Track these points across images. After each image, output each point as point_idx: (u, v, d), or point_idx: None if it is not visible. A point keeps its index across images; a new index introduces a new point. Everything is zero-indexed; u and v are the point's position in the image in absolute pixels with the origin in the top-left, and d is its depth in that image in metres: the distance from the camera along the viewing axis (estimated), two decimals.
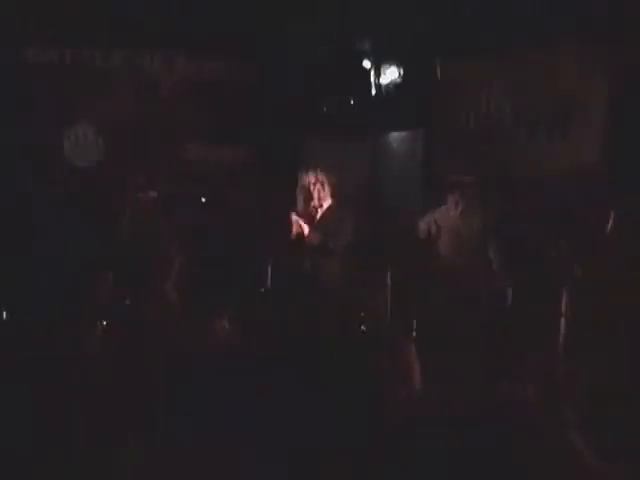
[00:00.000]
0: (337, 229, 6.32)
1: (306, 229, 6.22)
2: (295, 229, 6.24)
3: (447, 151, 8.31)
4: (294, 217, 6.26)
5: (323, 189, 6.31)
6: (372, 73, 8.86)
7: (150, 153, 8.37)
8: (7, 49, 7.69)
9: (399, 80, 8.74)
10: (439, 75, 8.31)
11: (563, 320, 5.84)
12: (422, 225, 7.04)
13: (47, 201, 7.68)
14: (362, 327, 7.73)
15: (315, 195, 6.30)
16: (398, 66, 8.70)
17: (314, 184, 6.30)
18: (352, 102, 9.09)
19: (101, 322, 6.75)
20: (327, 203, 6.36)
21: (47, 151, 8.02)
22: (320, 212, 6.32)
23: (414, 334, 7.59)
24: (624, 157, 6.51)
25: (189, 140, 8.69)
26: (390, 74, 8.75)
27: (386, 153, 8.80)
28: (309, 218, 6.34)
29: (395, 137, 8.79)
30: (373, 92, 8.88)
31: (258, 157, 8.86)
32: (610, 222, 5.94)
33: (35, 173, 7.91)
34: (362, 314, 7.79)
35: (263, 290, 7.72)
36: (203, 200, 8.09)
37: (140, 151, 8.34)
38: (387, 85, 8.81)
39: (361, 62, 8.86)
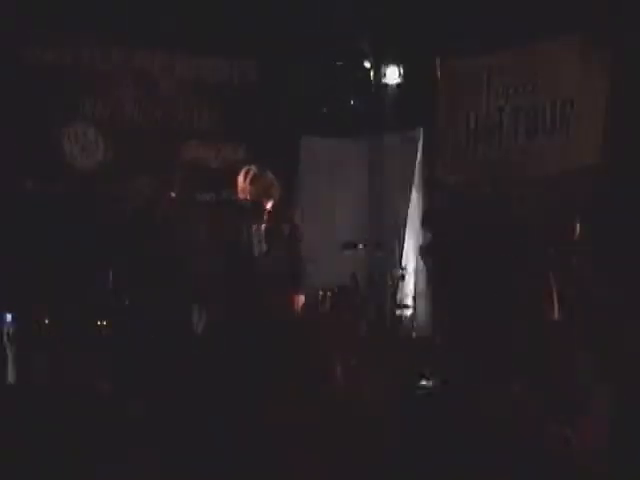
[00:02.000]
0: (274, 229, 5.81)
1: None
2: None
3: (447, 151, 8.32)
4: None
5: (262, 185, 5.77)
6: (372, 73, 8.86)
7: (150, 153, 8.37)
8: (7, 49, 7.68)
9: (399, 80, 8.73)
10: (439, 75, 8.31)
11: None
12: None
13: (47, 201, 7.68)
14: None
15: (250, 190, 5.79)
16: (398, 66, 8.70)
17: (250, 178, 5.80)
18: (352, 102, 9.10)
19: (101, 322, 6.78)
20: (269, 202, 5.73)
21: (47, 151, 8.01)
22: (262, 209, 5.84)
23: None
24: (624, 157, 6.51)
25: (189, 140, 8.68)
26: (390, 74, 8.75)
27: (385, 153, 8.80)
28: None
29: (395, 137, 8.79)
30: (373, 92, 8.88)
31: (258, 157, 8.86)
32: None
33: (35, 173, 7.91)
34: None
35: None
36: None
37: (140, 151, 8.34)
38: (387, 85, 8.81)
39: (361, 62, 8.86)
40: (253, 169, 5.72)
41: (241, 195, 5.71)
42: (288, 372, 4.87)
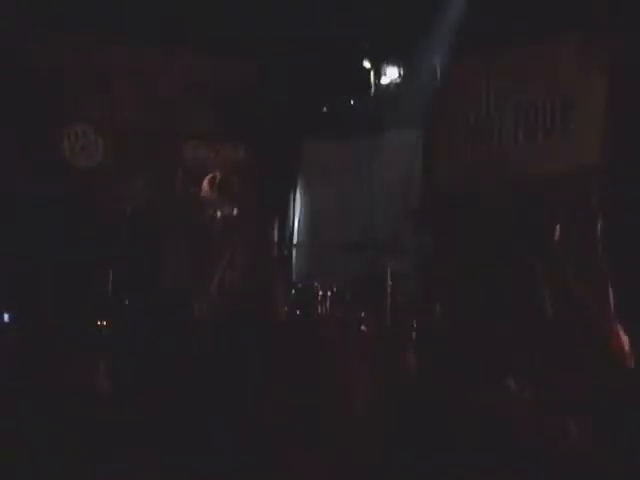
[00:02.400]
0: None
1: None
2: None
3: (447, 151, 8.32)
4: None
5: (228, 192, 5.68)
6: (372, 73, 8.86)
7: (150, 153, 8.38)
8: (7, 49, 7.68)
9: (399, 80, 8.74)
10: (439, 75, 8.31)
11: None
12: None
13: (47, 201, 7.69)
14: (362, 327, 7.74)
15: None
16: (398, 66, 8.70)
17: (216, 185, 5.71)
18: (352, 102, 9.10)
19: (101, 322, 6.77)
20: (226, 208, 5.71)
21: (47, 151, 8.02)
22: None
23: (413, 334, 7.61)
24: (624, 157, 6.51)
25: (189, 140, 8.69)
26: (390, 74, 8.75)
27: (386, 153, 8.80)
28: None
29: (395, 137, 8.79)
30: (373, 92, 8.88)
31: (258, 157, 8.87)
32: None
33: (35, 173, 7.91)
34: (362, 314, 7.78)
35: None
36: None
37: (140, 151, 8.34)
38: (387, 85, 8.81)
39: (361, 62, 8.86)
40: (219, 176, 5.62)
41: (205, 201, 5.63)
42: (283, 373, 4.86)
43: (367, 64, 8.86)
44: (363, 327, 7.78)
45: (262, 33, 8.30)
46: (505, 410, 2.56)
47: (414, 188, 8.68)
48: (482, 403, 2.53)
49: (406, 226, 8.57)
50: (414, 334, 7.79)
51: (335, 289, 7.90)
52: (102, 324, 6.79)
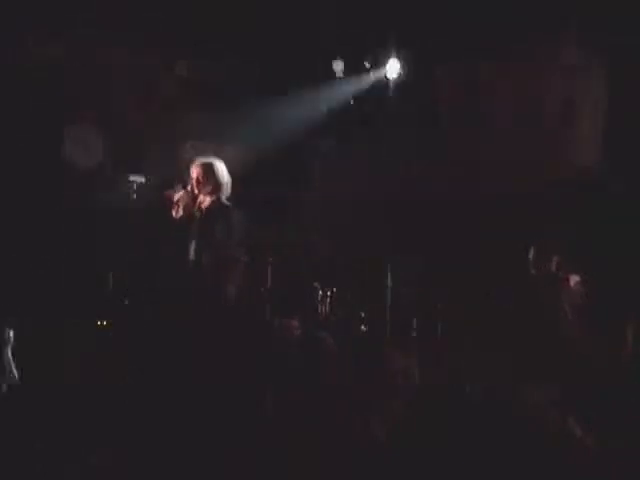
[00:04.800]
0: None
1: None
2: None
3: (446, 151, 8.32)
4: None
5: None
6: (372, 73, 8.86)
7: (150, 153, 8.38)
8: (7, 49, 7.69)
9: (399, 80, 8.74)
10: (439, 75, 8.32)
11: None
12: None
13: (47, 201, 7.69)
14: (363, 327, 7.75)
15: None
16: (398, 66, 8.70)
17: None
18: (352, 102, 9.10)
19: (101, 322, 6.77)
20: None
21: (47, 151, 8.01)
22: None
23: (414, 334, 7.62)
24: (624, 157, 6.52)
25: (189, 140, 8.68)
26: (390, 74, 8.75)
27: (386, 153, 8.80)
28: None
29: (396, 137, 8.79)
30: (373, 92, 8.88)
31: (258, 157, 8.87)
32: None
33: (35, 173, 7.91)
34: (362, 314, 7.79)
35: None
36: None
37: (140, 151, 8.34)
38: (388, 85, 8.81)
39: (361, 62, 8.86)
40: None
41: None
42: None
43: (367, 64, 8.86)
44: (363, 327, 7.79)
45: (263, 33, 8.30)
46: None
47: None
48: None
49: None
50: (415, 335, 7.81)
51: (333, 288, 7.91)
52: (102, 324, 6.79)
